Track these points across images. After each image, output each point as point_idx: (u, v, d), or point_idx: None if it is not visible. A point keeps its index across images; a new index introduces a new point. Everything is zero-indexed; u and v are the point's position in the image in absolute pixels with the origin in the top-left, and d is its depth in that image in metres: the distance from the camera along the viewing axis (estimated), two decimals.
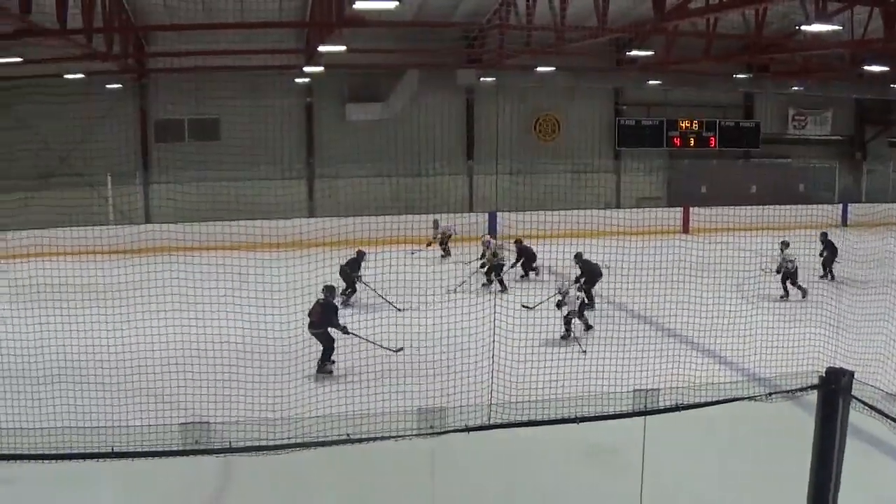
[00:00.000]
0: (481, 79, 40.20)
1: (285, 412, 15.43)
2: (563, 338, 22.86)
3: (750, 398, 11.17)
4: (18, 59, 31.40)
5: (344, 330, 20.99)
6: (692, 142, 44.58)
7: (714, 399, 11.36)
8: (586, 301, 24.50)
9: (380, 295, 26.48)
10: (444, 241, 34.53)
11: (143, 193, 40.18)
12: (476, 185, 42.66)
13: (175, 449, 13.49)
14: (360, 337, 21.06)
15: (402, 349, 20.93)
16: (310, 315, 21.05)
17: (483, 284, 28.95)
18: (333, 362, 21.07)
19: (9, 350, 19.97)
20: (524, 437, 11.96)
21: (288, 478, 13.85)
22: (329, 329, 20.99)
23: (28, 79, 36.41)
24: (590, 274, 25.93)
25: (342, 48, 28.23)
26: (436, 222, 34.19)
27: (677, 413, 11.30)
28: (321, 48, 29.36)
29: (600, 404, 12.16)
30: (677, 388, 12.00)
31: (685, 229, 40.61)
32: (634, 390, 12.73)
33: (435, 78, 40.35)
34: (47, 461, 11.85)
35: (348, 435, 12.23)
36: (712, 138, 44.78)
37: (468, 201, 42.11)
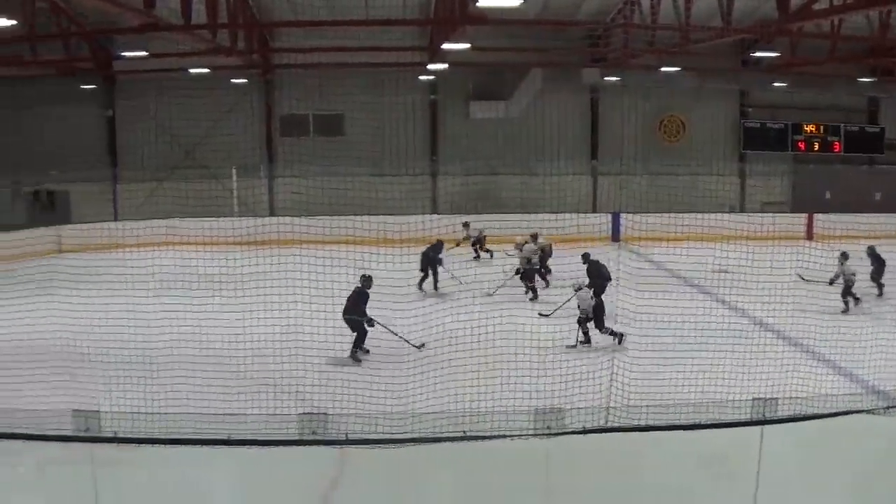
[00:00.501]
0: (605, 78, 39.85)
1: (403, 407, 15.42)
2: (582, 343, 22.09)
3: (868, 411, 10.92)
4: (144, 54, 32.02)
5: (370, 322, 21.34)
6: (816, 146, 43.43)
7: (832, 411, 11.12)
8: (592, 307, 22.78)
9: (457, 281, 27.04)
10: (477, 244, 34.13)
11: (268, 187, 40.61)
12: (599, 186, 42.22)
13: (292, 438, 13.64)
14: (386, 328, 21.26)
15: (423, 345, 20.74)
16: (347, 301, 21.64)
17: (530, 299, 27.59)
18: (367, 351, 21.40)
19: (131, 336, 20.36)
20: (639, 440, 11.84)
21: (402, 472, 13.75)
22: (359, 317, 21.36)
23: (154, 73, 37.18)
24: (597, 276, 24.76)
25: (466, 46, 28.22)
26: (466, 224, 33.71)
27: (794, 423, 11.09)
28: (445, 46, 29.37)
29: (717, 412, 11.98)
30: (795, 398, 11.78)
31: (809, 236, 39.70)
32: (753, 399, 12.53)
33: (559, 77, 40.10)
34: (165, 445, 12.09)
35: (464, 432, 12.24)
36: (836, 143, 43.53)
37: (591, 202, 41.68)
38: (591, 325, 22.21)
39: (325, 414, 14.27)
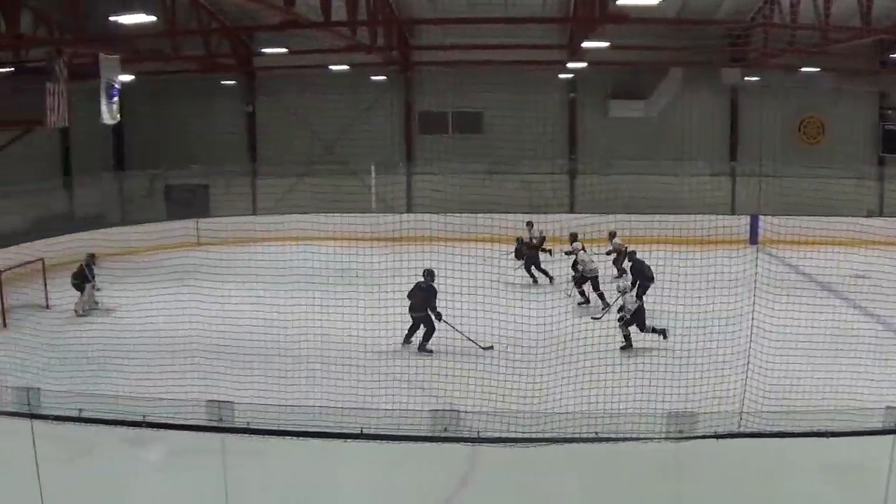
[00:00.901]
0: (745, 78, 39.01)
1: (534, 406, 15.18)
2: (622, 348, 21.71)
3: None
4: (284, 51, 32.42)
5: (438, 316, 21.52)
6: None
7: None
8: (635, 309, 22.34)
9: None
10: (539, 245, 33.51)
11: (406, 183, 40.68)
12: (738, 187, 41.32)
13: (424, 434, 13.50)
14: (453, 327, 21.24)
15: (491, 347, 20.70)
16: (409, 297, 22.13)
17: (579, 303, 26.71)
18: (430, 351, 21.52)
19: (267, 329, 20.52)
20: (770, 446, 11.45)
21: (532, 471, 13.62)
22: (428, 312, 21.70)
23: (294, 69, 37.55)
24: (640, 276, 24.06)
25: (605, 44, 27.91)
26: (530, 224, 33.11)
27: None
28: (585, 44, 29.09)
29: (849, 419, 11.54)
30: None
31: None
32: (887, 408, 12.01)
33: (698, 76, 39.38)
34: (297, 437, 12.04)
35: (596, 433, 11.96)
36: None
37: (730, 203, 40.81)
38: (633, 327, 21.86)
39: (457, 411, 14.10)
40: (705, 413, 13.61)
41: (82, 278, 26.91)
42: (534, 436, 12.97)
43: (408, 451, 13.55)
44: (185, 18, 31.40)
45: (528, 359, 18.89)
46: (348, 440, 13.29)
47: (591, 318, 23.80)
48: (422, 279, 22.13)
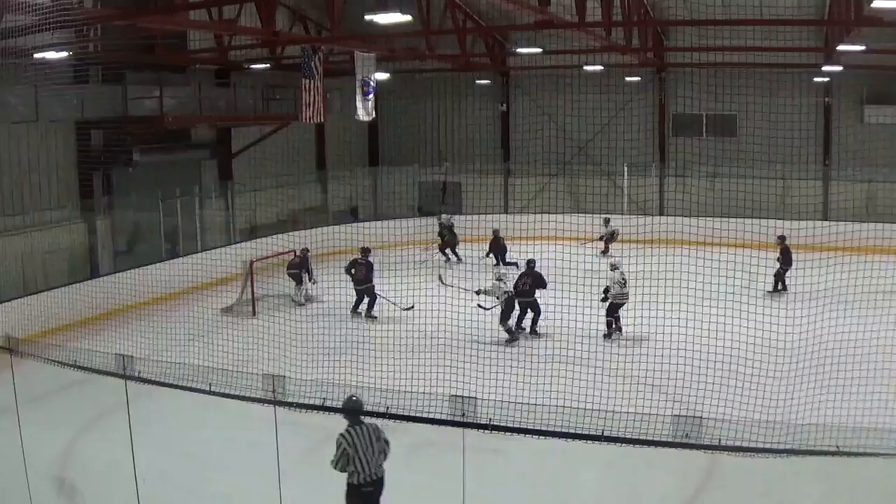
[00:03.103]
0: None
1: (777, 416, 14.71)
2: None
3: None
4: (538, 50, 32.64)
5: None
6: None
7: None
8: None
9: None
10: (610, 240, 32.28)
11: (659, 186, 40.24)
12: None
13: (664, 440, 13.27)
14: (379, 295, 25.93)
15: (412, 307, 23.94)
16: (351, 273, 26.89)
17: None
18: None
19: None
20: None
21: (772, 482, 13.42)
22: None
23: (548, 69, 37.69)
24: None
25: (861, 48, 27.00)
26: (606, 220, 31.80)
27: None
28: (840, 47, 28.21)
29: None
30: None
31: None
32: None
33: None
34: (537, 436, 11.98)
35: (837, 447, 11.50)
36: None
37: None
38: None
39: (699, 417, 13.78)
40: None
41: (299, 269, 27.85)
42: (775, 446, 12.57)
43: (646, 455, 13.36)
44: (439, 18, 31.93)
45: (772, 366, 18.44)
46: (589, 441, 13.19)
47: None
48: (359, 257, 27.08)
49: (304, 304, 27.49)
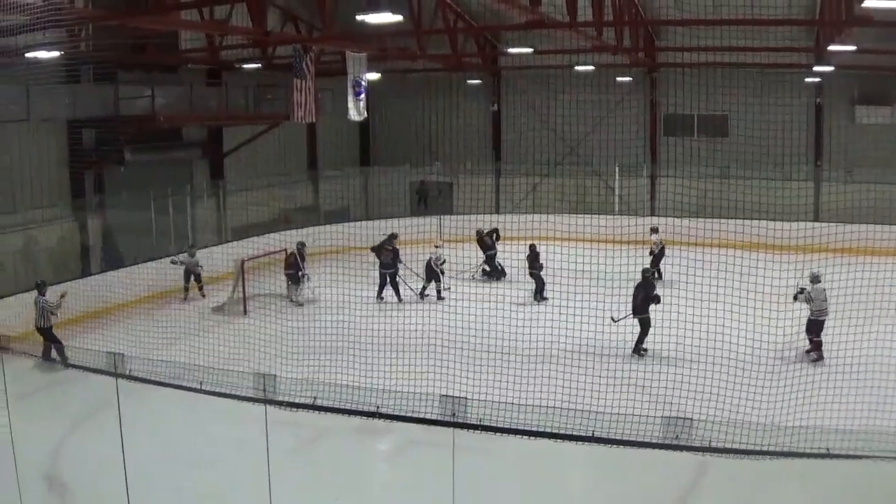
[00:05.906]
0: None
1: (766, 418, 14.73)
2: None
3: None
4: (529, 50, 32.72)
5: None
6: None
7: None
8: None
9: None
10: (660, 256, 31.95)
11: (650, 186, 40.26)
12: None
13: (654, 441, 13.35)
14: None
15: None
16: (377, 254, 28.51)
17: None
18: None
19: (504, 329, 20.62)
20: None
21: (760, 484, 13.40)
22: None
23: (540, 69, 37.73)
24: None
25: (852, 48, 26.99)
26: (655, 229, 31.56)
27: None
28: (831, 47, 28.20)
29: None
30: None
31: None
32: None
33: None
34: (527, 437, 12.05)
35: (827, 449, 11.57)
36: None
37: None
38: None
39: (689, 419, 13.85)
40: None
41: (296, 269, 27.87)
42: (763, 448, 12.64)
43: (635, 456, 13.42)
44: (430, 18, 31.96)
45: (762, 368, 18.49)
46: (578, 442, 13.25)
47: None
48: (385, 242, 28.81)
49: (302, 305, 27.49)
